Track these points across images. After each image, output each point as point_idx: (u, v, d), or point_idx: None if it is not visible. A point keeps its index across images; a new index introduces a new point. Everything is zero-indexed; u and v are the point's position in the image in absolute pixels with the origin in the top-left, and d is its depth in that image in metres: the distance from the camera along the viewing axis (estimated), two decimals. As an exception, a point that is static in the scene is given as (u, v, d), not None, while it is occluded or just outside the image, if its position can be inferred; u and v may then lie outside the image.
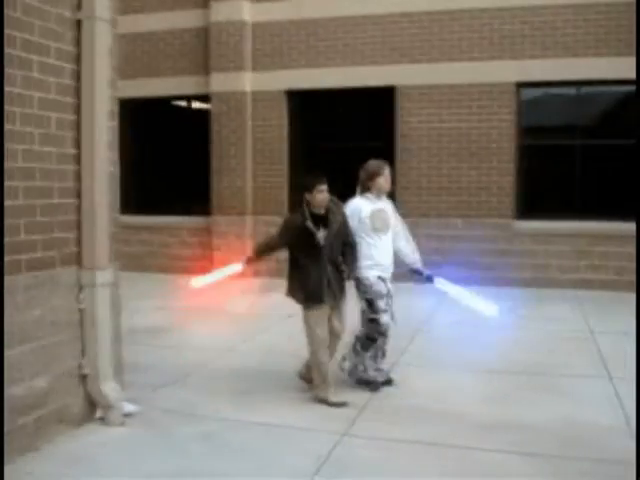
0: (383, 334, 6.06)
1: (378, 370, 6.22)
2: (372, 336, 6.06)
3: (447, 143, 12.04)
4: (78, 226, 5.12)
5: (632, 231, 11.27)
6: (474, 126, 11.92)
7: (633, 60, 10.99)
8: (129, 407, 5.38)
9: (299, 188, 5.91)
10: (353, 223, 5.97)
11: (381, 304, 5.99)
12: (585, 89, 11.73)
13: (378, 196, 6.15)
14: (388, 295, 6.08)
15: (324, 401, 5.70)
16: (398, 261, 6.30)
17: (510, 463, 4.60)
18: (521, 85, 11.79)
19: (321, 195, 5.64)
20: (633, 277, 11.26)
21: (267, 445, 4.90)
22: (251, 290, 11.58)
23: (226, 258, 12.74)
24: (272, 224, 12.73)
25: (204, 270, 13.00)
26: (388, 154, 12.31)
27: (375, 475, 4.46)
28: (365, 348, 6.10)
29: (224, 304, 10.27)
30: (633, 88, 11.36)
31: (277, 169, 12.95)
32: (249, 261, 6.43)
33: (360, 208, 6.03)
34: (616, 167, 11.64)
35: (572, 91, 11.83)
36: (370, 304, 6.01)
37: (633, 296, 10.66)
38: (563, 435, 5.08)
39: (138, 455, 4.70)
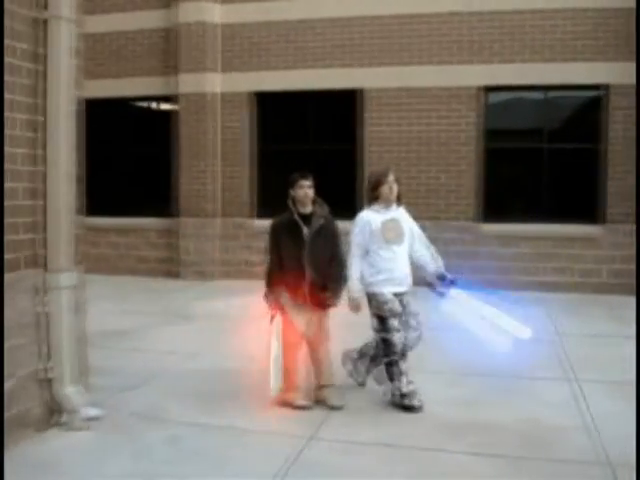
0: (400, 354, 5.74)
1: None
2: (390, 359, 5.77)
3: (416, 146, 12.09)
4: (44, 228, 5.06)
5: (597, 234, 11.47)
6: (442, 129, 11.99)
7: (599, 65, 11.23)
8: (93, 411, 5.32)
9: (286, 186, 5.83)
10: (364, 237, 5.76)
11: (394, 323, 5.69)
12: (552, 93, 11.86)
13: (387, 206, 5.84)
14: (406, 312, 5.82)
15: (289, 404, 5.67)
16: (416, 271, 6.07)
17: (476, 464, 4.63)
18: (489, 89, 11.89)
19: (302, 191, 5.63)
20: (598, 279, 11.45)
21: (233, 449, 4.88)
22: (218, 293, 11.53)
23: (194, 261, 12.73)
24: (240, 226, 12.75)
25: (170, 274, 13.01)
26: (356, 157, 12.38)
27: (342, 478, 4.46)
28: (392, 376, 5.79)
29: (191, 307, 10.21)
30: (599, 93, 11.54)
31: (246, 171, 12.92)
32: (274, 305, 5.70)
33: (369, 221, 5.78)
34: (581, 170, 11.80)
35: (539, 95, 11.95)
36: (382, 322, 5.73)
37: (598, 298, 10.85)
38: (529, 436, 5.12)
39: (102, 459, 4.65)
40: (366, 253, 5.80)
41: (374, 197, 5.86)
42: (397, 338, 5.70)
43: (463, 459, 4.72)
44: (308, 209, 5.70)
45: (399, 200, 5.95)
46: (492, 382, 6.47)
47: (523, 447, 4.91)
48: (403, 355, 5.78)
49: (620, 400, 5.92)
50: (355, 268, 5.80)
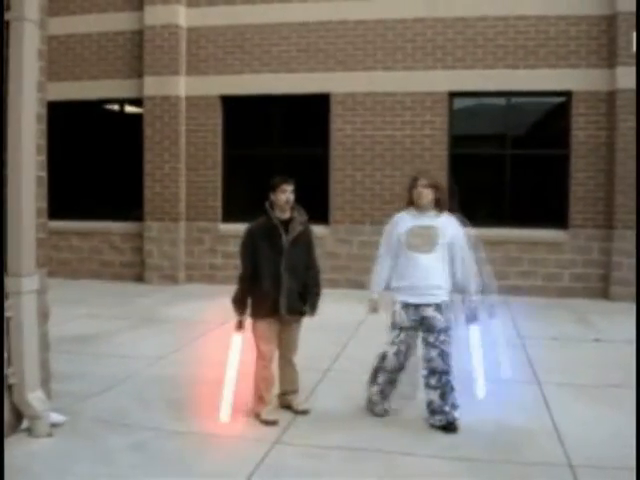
0: (387, 370, 5.60)
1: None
2: (376, 366, 5.68)
3: (381, 151, 12.15)
4: (4, 232, 4.98)
5: (560, 238, 11.62)
6: (408, 134, 12.06)
7: (562, 72, 11.40)
8: (57, 417, 5.27)
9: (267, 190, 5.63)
10: (390, 238, 5.56)
11: (392, 335, 5.51)
12: (515, 99, 11.99)
13: (423, 210, 5.51)
14: (425, 326, 5.44)
15: (257, 416, 5.60)
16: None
17: (443, 467, 4.66)
18: (454, 94, 11.99)
19: (283, 195, 5.48)
20: (561, 283, 11.58)
21: (198, 454, 4.85)
22: (183, 297, 11.47)
23: (158, 265, 12.64)
24: (205, 230, 12.71)
25: (135, 278, 12.92)
26: (323, 161, 12.40)
27: (306, 481, 4.47)
28: (371, 380, 5.74)
29: (156, 311, 10.14)
30: (561, 99, 11.71)
31: (211, 175, 12.87)
32: (240, 323, 5.56)
33: (398, 223, 5.57)
34: (545, 176, 11.94)
35: (503, 101, 12.07)
36: (389, 329, 5.61)
37: (561, 302, 11.01)
38: (494, 439, 5.16)
39: (66, 466, 4.59)
40: (396, 255, 5.59)
41: (409, 201, 5.62)
42: (389, 352, 5.56)
43: (430, 462, 4.74)
44: (287, 214, 5.56)
45: (439, 207, 5.56)
46: (459, 386, 6.48)
47: (490, 450, 4.94)
48: (398, 371, 5.62)
49: (586, 403, 6.00)
50: (378, 267, 5.67)
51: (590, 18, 11.38)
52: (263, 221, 5.57)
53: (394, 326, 5.53)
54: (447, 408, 5.41)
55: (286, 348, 5.73)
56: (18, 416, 5.12)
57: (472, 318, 5.59)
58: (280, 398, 5.82)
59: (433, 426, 5.42)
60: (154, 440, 5.07)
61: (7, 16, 4.89)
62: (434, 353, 5.44)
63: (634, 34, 10.70)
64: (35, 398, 5.09)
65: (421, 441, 5.11)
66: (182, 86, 12.81)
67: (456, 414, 5.41)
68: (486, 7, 11.73)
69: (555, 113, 12.04)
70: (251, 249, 5.53)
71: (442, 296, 5.46)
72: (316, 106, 12.45)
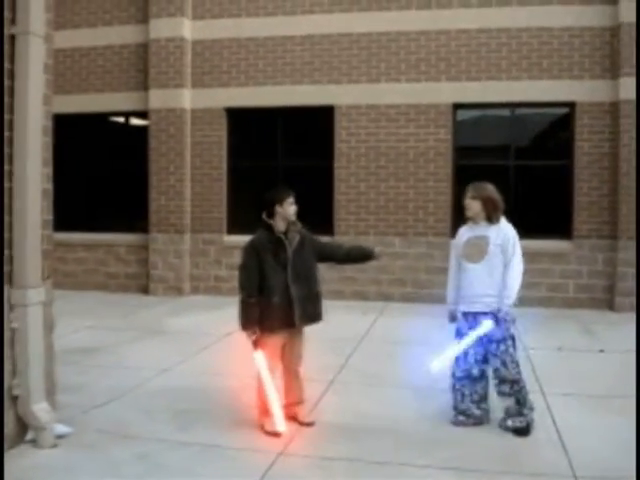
0: (457, 378, 5.74)
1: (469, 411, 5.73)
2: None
3: (385, 162, 12.18)
4: (10, 244, 5.01)
5: (565, 249, 11.61)
6: (411, 146, 12.09)
7: (565, 83, 11.42)
8: (62, 428, 5.28)
9: (264, 204, 5.54)
10: (456, 251, 5.82)
11: (457, 340, 5.67)
12: (519, 111, 12.02)
13: (476, 222, 5.75)
14: (485, 337, 5.55)
15: (261, 427, 5.60)
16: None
17: (447, 478, 4.65)
18: (457, 106, 12.02)
19: (293, 207, 5.51)
20: (565, 294, 11.57)
21: (203, 465, 4.85)
22: (188, 309, 11.49)
23: (164, 277, 12.65)
24: (210, 242, 12.73)
25: (141, 290, 12.95)
26: (327, 173, 12.43)
27: (311, 493, 4.47)
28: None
29: (161, 323, 10.16)
30: (565, 110, 11.73)
31: (216, 187, 12.91)
32: (256, 343, 5.52)
33: (459, 235, 5.85)
34: (549, 187, 11.94)
35: (507, 112, 12.10)
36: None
37: (565, 312, 10.99)
38: (498, 450, 5.15)
39: (70, 478, 4.60)
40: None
41: None
42: (457, 357, 5.67)
43: (434, 473, 4.74)
44: (284, 226, 5.55)
45: (489, 219, 5.75)
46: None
47: (493, 461, 4.94)
48: (476, 380, 5.69)
49: (590, 413, 5.99)
50: (448, 278, 5.93)
51: (593, 29, 11.41)
52: (265, 235, 5.54)
53: (456, 333, 5.72)
54: (525, 411, 5.52)
55: (291, 360, 5.73)
56: (23, 427, 5.14)
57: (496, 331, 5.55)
58: (285, 409, 5.81)
59: (508, 429, 5.50)
60: (159, 451, 5.08)
61: (13, 30, 4.94)
62: (498, 363, 5.57)
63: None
64: (40, 409, 5.11)
65: (425, 452, 5.11)
66: (187, 98, 12.87)
67: (534, 417, 5.56)
68: (489, 19, 11.76)
69: (559, 124, 12.07)
70: (256, 265, 5.47)
71: (494, 304, 5.53)
72: (320, 118, 12.49)
